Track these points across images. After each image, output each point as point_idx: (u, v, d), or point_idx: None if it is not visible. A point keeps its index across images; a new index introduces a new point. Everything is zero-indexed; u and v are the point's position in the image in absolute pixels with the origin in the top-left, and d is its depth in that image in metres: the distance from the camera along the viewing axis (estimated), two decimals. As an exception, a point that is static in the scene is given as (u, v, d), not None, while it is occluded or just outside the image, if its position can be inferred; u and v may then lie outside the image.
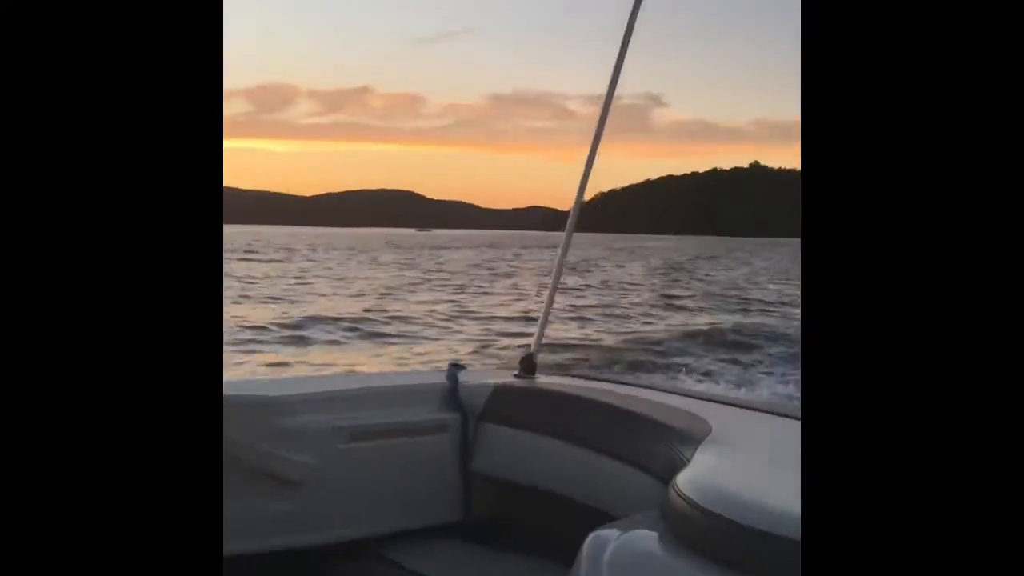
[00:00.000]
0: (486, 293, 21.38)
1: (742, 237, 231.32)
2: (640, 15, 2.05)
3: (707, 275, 33.72)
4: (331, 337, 12.18)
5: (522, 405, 1.85)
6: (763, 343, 11.95)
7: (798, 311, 0.75)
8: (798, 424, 1.50)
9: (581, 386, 1.85)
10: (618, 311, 16.92)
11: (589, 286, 23.87)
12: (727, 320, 15.18)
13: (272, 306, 16.00)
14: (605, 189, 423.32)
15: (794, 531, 0.87)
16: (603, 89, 2.11)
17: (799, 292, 0.70)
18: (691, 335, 12.65)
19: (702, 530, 1.02)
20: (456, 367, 1.98)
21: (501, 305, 18.05)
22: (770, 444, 1.41)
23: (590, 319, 15.11)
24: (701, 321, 15.26)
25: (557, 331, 12.45)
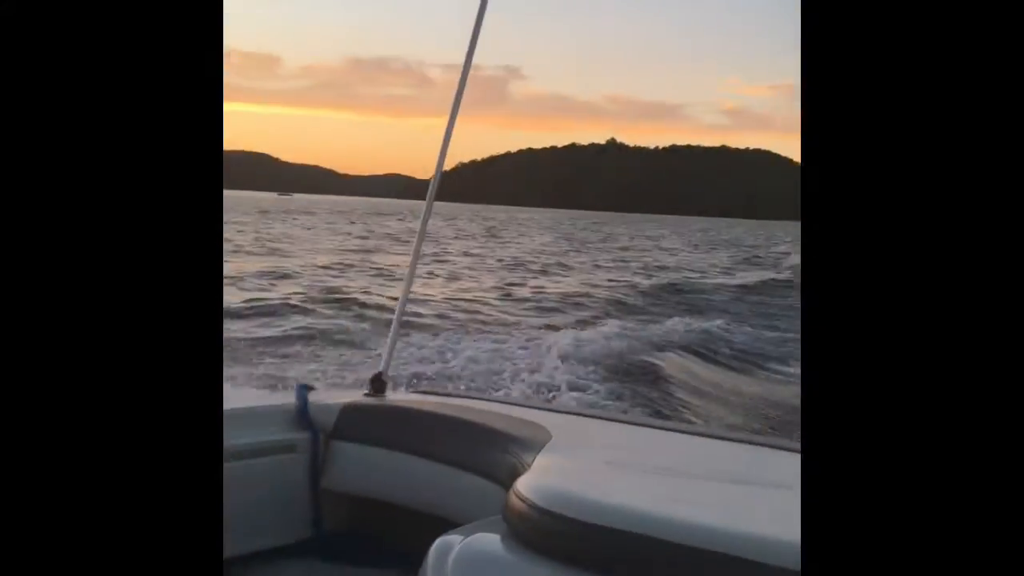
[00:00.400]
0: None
1: (605, 211, 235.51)
2: None
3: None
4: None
5: (371, 422, 1.88)
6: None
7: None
8: (632, 428, 1.79)
9: (429, 402, 1.92)
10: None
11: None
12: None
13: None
14: (465, 160, 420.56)
15: (629, 524, 0.98)
16: (462, 58, 2.13)
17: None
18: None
19: (542, 529, 1.05)
20: (305, 388, 1.95)
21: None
22: (606, 448, 1.51)
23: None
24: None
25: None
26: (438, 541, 1.13)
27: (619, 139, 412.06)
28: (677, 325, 10.11)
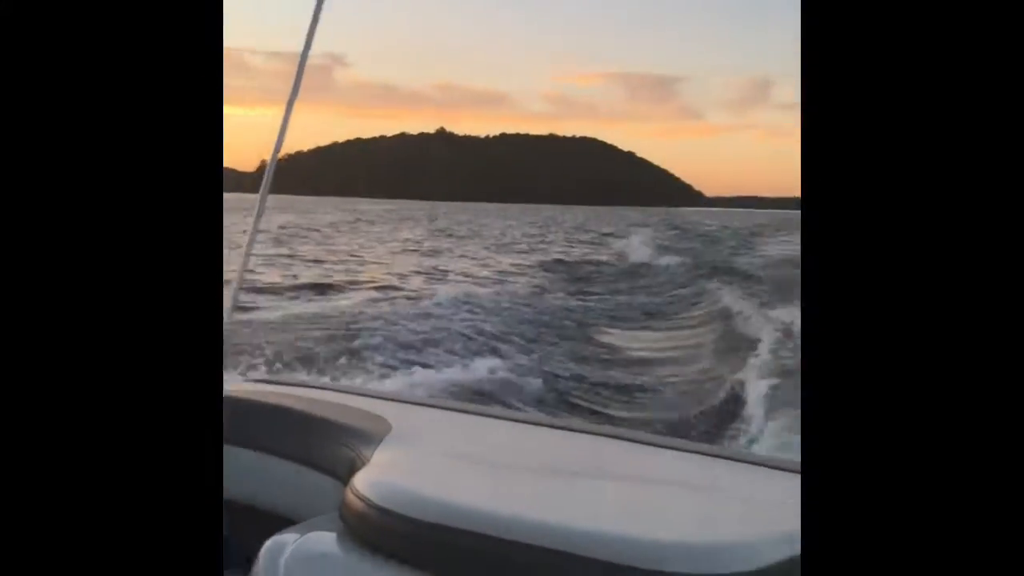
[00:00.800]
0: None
1: (438, 201, 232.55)
2: None
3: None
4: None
5: None
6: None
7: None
8: (477, 419, 1.69)
9: (265, 391, 1.80)
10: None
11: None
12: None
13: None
14: (291, 151, 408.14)
15: (467, 522, 0.96)
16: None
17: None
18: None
19: (379, 528, 1.04)
20: None
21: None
22: (448, 440, 1.46)
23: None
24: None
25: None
26: (270, 541, 1.10)
27: (448, 128, 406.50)
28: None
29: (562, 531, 0.94)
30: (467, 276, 15.89)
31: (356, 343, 7.43)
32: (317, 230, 31.60)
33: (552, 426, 1.65)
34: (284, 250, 20.58)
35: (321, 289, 13.02)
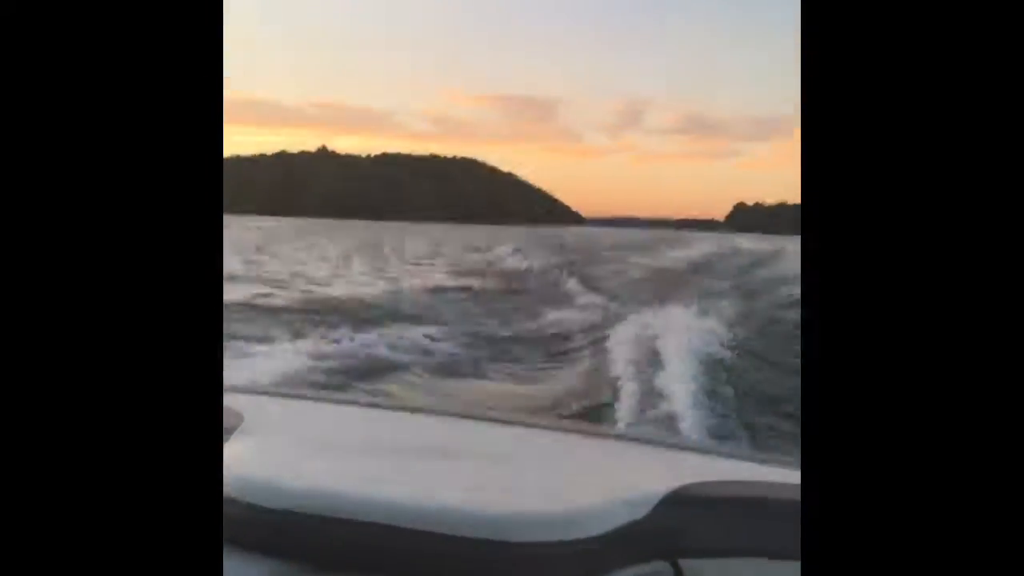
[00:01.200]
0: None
1: (316, 218, 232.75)
2: None
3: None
4: None
5: None
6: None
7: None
8: (332, 407, 1.66)
9: None
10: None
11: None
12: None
13: None
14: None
15: (319, 508, 0.98)
16: None
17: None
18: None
19: (231, 519, 0.99)
20: None
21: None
22: (301, 429, 1.45)
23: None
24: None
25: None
26: None
27: (329, 147, 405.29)
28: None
29: (409, 509, 0.97)
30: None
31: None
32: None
33: (405, 409, 1.66)
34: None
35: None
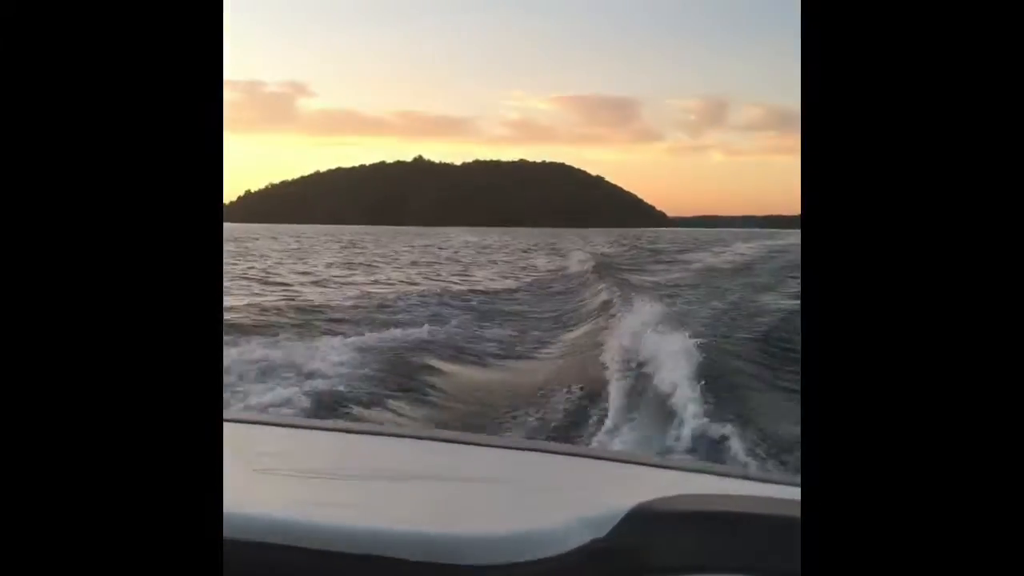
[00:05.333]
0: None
1: (423, 227, 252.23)
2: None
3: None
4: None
5: None
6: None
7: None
8: (286, 431, 1.60)
9: None
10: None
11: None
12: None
13: None
14: (276, 180, 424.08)
15: (262, 535, 0.92)
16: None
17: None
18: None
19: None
20: None
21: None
22: (255, 454, 1.35)
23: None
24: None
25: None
26: None
27: (425, 156, 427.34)
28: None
29: (358, 534, 0.93)
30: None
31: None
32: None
33: (355, 432, 1.64)
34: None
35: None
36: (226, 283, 15.21)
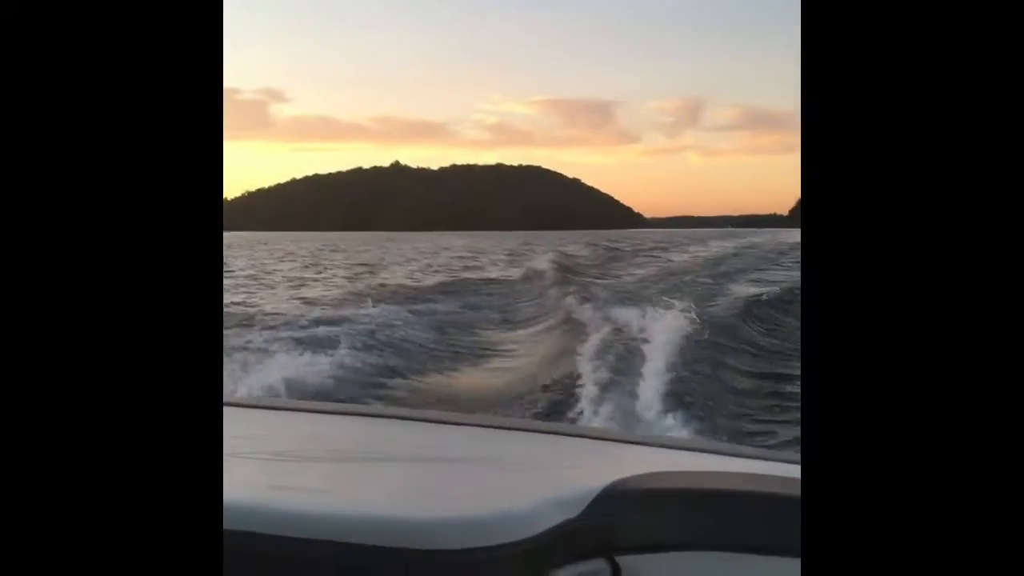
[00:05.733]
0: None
1: (404, 231, 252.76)
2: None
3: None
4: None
5: None
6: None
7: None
8: (262, 412, 1.54)
9: None
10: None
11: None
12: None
13: None
14: (252, 188, 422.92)
15: (235, 522, 0.89)
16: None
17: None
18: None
19: None
20: None
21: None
22: (230, 438, 1.19)
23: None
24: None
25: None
26: None
27: (402, 161, 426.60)
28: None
29: (328, 518, 0.92)
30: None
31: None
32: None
33: (326, 412, 1.59)
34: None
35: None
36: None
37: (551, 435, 1.41)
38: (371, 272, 27.73)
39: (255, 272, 27.92)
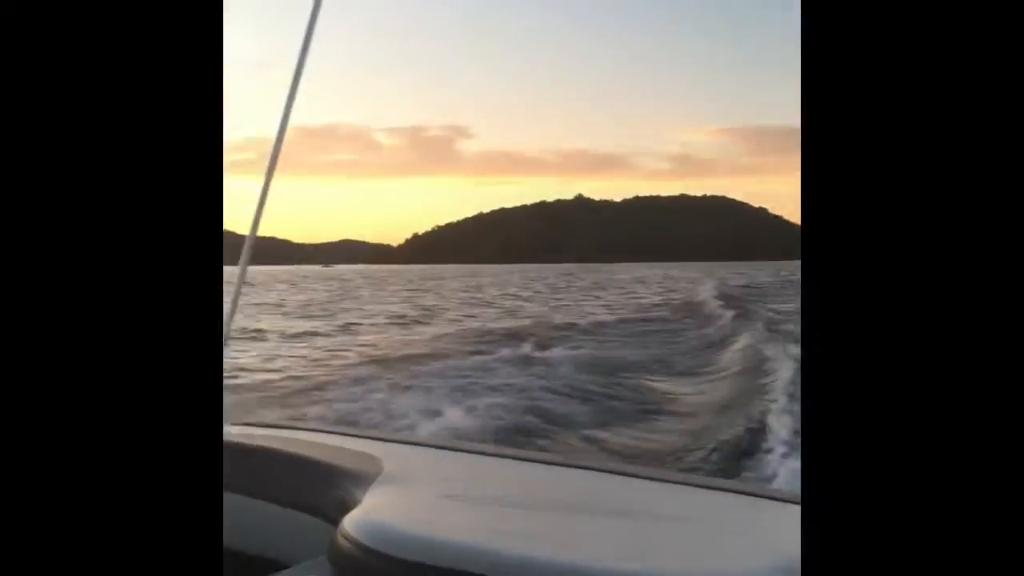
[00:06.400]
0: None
1: (587, 263, 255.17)
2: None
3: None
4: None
5: None
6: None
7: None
8: (473, 457, 1.63)
9: (255, 435, 1.77)
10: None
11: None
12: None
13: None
14: (442, 222, 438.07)
15: (459, 562, 0.94)
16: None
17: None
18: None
19: (368, 570, 1.02)
20: None
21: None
22: (441, 479, 1.40)
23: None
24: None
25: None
26: None
27: (584, 194, 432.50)
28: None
29: (557, 568, 0.92)
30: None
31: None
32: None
33: (546, 462, 1.60)
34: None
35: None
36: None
37: (762, 499, 1.39)
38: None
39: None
